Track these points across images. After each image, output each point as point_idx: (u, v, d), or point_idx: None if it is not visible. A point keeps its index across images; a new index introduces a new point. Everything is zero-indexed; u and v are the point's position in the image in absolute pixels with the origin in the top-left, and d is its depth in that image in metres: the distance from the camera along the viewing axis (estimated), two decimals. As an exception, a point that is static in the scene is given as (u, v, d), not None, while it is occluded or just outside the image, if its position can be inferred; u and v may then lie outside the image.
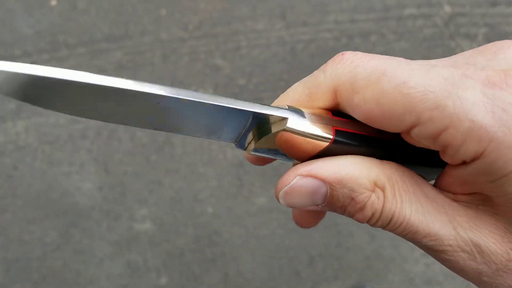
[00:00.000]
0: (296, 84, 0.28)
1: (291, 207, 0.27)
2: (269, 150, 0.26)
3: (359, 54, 0.25)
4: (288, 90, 0.28)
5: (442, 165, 0.26)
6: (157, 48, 1.36)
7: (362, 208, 0.24)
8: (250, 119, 0.25)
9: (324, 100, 0.26)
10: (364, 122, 0.25)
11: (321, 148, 0.25)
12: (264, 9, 1.39)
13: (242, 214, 1.20)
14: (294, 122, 0.25)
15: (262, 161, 0.31)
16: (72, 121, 1.26)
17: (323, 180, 0.25)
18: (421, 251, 1.23)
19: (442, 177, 0.26)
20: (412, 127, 0.23)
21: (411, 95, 0.23)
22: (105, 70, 1.31)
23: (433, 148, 0.24)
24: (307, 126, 0.25)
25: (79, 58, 1.34)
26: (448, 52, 1.40)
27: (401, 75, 0.23)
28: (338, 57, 0.26)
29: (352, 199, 0.24)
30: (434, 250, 0.25)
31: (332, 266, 1.18)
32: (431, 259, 1.19)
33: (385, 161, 0.25)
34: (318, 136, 0.25)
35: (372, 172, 0.25)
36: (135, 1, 1.41)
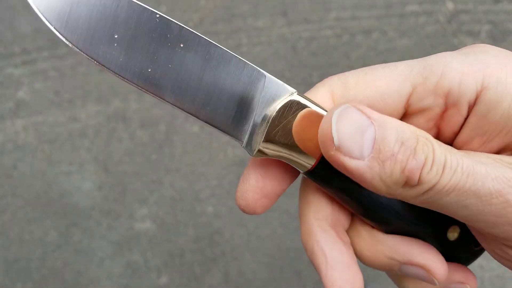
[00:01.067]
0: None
1: (340, 145, 0.24)
2: (279, 144, 0.25)
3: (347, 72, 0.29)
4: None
5: None
6: (157, 46, 1.35)
7: (414, 153, 0.23)
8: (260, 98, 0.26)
9: (321, 103, 0.28)
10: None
11: None
12: (265, 6, 1.38)
13: (243, 214, 1.19)
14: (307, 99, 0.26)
15: (267, 201, 0.31)
16: (71, 120, 1.26)
17: (371, 118, 0.24)
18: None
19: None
20: (410, 95, 0.25)
21: (398, 69, 0.25)
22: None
23: (436, 109, 0.25)
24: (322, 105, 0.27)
25: (79, 55, 1.33)
26: (451, 49, 1.38)
27: (383, 66, 0.26)
28: (329, 77, 0.29)
29: (402, 143, 0.23)
30: (499, 193, 0.23)
31: (333, 266, 1.17)
32: (433, 259, 1.19)
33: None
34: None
35: (416, 129, 0.24)
36: (135, -2, 1.40)
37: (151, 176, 1.22)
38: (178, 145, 1.25)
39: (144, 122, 1.24)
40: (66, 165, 1.22)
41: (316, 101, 0.26)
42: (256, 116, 0.26)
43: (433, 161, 0.23)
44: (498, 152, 0.25)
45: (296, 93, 0.26)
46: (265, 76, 0.26)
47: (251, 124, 0.26)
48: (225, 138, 1.26)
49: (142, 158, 1.23)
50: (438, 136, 0.28)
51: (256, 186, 0.31)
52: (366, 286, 1.19)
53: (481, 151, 0.25)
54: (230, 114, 0.26)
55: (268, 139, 0.25)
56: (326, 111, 0.26)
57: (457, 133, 0.27)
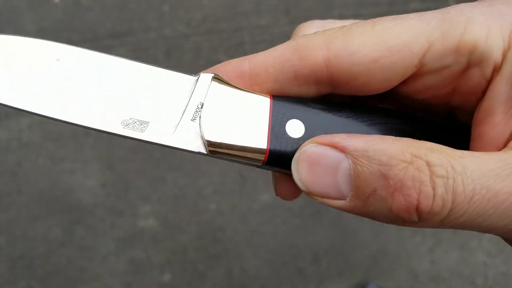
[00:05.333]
0: (282, 44, 0.23)
1: (310, 191, 0.21)
2: (221, 134, 0.22)
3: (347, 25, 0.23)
4: (272, 48, 0.23)
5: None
6: (161, 44, 1.35)
7: (399, 188, 0.18)
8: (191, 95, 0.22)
9: (312, 55, 0.21)
10: (367, 73, 0.21)
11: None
12: (267, 4, 1.38)
13: (245, 211, 1.20)
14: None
15: (294, 194, 0.25)
16: (76, 118, 1.26)
17: (344, 151, 0.19)
18: (427, 247, 1.21)
19: (479, 133, 0.22)
20: (424, 52, 0.20)
21: (414, 21, 0.21)
22: (109, 67, 1.31)
23: (456, 68, 0.21)
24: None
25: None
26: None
27: (393, 18, 0.21)
28: (308, 24, 0.24)
29: (382, 175, 0.18)
30: None
31: (336, 263, 1.17)
32: (436, 256, 1.18)
33: (423, 141, 0.20)
34: (255, 94, 0.23)
35: (408, 145, 0.19)
36: (138, -3, 1.41)
37: (154, 174, 1.22)
38: (181, 142, 1.25)
39: (147, 120, 1.25)
40: (70, 163, 1.23)
41: (302, 57, 0.22)
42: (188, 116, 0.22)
43: (434, 192, 0.18)
44: None
45: (201, 76, 0.23)
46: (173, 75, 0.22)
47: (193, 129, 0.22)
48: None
49: (145, 155, 1.23)
50: (455, 100, 0.23)
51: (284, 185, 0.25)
52: (366, 285, 1.18)
53: (505, 123, 0.21)
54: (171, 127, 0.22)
55: (207, 139, 0.22)
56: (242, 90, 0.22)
57: (478, 97, 0.22)
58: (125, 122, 0.21)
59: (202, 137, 0.22)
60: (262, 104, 0.22)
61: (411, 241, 1.18)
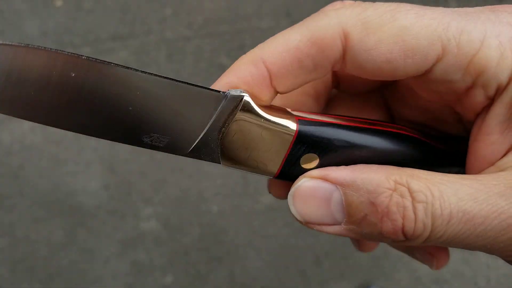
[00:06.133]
0: (291, 30, 0.23)
1: (308, 221, 0.22)
2: (238, 153, 0.22)
3: (359, 1, 0.23)
4: (281, 36, 0.22)
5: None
6: (162, 47, 1.36)
7: (386, 213, 0.20)
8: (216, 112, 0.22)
9: (331, 48, 0.21)
10: (377, 72, 0.21)
11: (289, 140, 0.22)
12: (268, 7, 1.38)
13: (247, 213, 1.20)
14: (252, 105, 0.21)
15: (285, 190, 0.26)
16: (78, 121, 1.27)
17: (334, 183, 0.21)
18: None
19: (475, 148, 0.23)
20: (437, 61, 0.20)
21: (434, 25, 0.20)
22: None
23: (461, 84, 0.21)
24: (267, 112, 0.22)
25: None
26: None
27: (415, 10, 0.21)
28: (337, 3, 0.23)
29: (371, 203, 0.20)
30: (504, 231, 0.20)
31: (338, 265, 1.17)
32: (438, 258, 1.18)
33: (405, 167, 0.22)
34: (281, 124, 0.22)
35: (391, 173, 0.21)
36: (140, 0, 1.42)
37: (156, 176, 1.23)
38: (183, 145, 1.25)
39: (149, 123, 1.25)
40: (72, 165, 1.23)
41: (317, 46, 0.21)
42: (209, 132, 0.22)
43: (415, 216, 0.20)
44: None
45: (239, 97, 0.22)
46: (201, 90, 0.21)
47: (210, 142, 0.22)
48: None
49: (147, 158, 1.24)
50: (457, 108, 0.24)
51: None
52: (368, 287, 1.18)
53: (500, 142, 0.22)
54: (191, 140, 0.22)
55: (224, 155, 0.22)
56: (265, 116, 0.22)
57: (478, 112, 0.23)
58: (146, 137, 0.21)
59: (219, 156, 0.22)
60: (285, 136, 0.22)
61: (413, 243, 1.18)
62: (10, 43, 0.19)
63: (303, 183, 0.22)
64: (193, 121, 0.22)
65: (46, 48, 0.19)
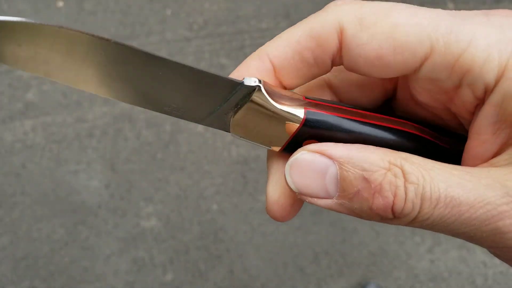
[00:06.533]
0: (293, 27, 0.24)
1: (301, 192, 0.23)
2: (247, 129, 0.25)
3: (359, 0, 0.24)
4: (285, 33, 0.24)
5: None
6: (163, 47, 1.37)
7: (378, 190, 0.21)
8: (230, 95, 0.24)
9: (328, 42, 0.23)
10: (368, 67, 0.23)
11: (293, 128, 0.24)
12: (268, 8, 1.40)
13: (247, 211, 1.21)
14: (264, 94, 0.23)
15: (291, 210, 0.27)
16: (79, 120, 1.28)
17: (331, 158, 0.22)
18: (426, 246, 1.22)
19: (469, 145, 0.24)
20: (425, 59, 0.21)
21: (424, 24, 0.21)
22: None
23: (443, 87, 0.22)
24: (277, 99, 0.24)
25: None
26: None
27: (409, 9, 0.22)
28: (339, 1, 0.24)
29: (365, 179, 0.21)
30: (488, 221, 0.20)
31: (336, 262, 1.18)
32: (436, 256, 1.19)
33: (399, 151, 0.23)
34: (289, 112, 0.24)
35: (386, 154, 0.22)
36: (141, 2, 1.43)
37: (157, 175, 1.24)
38: (183, 144, 1.26)
39: (149, 122, 1.26)
40: (73, 164, 1.24)
41: (316, 40, 0.23)
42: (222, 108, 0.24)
43: (405, 196, 0.21)
44: (505, 143, 0.23)
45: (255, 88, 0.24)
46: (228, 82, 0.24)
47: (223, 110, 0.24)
48: (229, 137, 1.28)
49: (148, 157, 1.25)
50: (452, 108, 0.25)
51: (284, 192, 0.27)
52: (366, 284, 1.19)
53: (492, 141, 0.23)
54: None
55: (233, 127, 0.25)
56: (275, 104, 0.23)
57: (471, 111, 0.23)
58: (166, 107, 0.24)
59: (229, 127, 0.25)
60: (291, 122, 0.24)
61: (410, 241, 1.19)
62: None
63: (302, 155, 0.23)
64: (208, 101, 0.24)
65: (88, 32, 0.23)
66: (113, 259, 1.19)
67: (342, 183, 0.22)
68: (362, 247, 1.18)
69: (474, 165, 0.23)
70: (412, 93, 0.25)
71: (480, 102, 0.22)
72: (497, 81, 0.21)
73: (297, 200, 0.26)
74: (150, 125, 1.26)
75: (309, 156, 0.23)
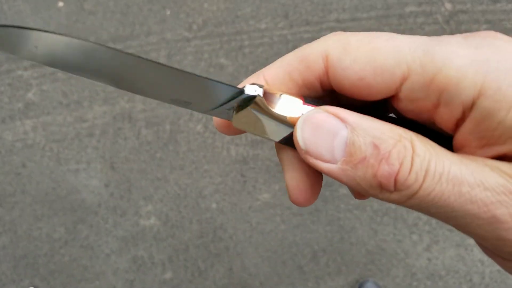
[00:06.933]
0: (288, 54, 0.27)
1: (307, 151, 0.24)
2: (248, 125, 0.26)
3: (351, 32, 0.25)
4: (281, 58, 0.27)
5: None
6: (162, 47, 1.38)
7: (386, 157, 0.22)
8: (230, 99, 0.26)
9: (314, 65, 0.25)
10: (353, 90, 0.24)
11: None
12: (267, 8, 1.40)
13: (246, 210, 1.21)
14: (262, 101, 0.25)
15: (312, 193, 0.28)
16: (79, 120, 1.28)
17: (345, 121, 0.23)
18: (424, 245, 1.22)
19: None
20: (403, 80, 0.23)
21: (401, 46, 0.23)
22: (111, 70, 1.34)
23: (425, 105, 0.23)
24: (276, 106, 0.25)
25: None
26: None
27: (390, 35, 0.23)
28: (331, 34, 0.26)
29: (375, 146, 0.22)
30: (487, 209, 0.21)
31: (335, 260, 1.18)
32: (433, 254, 1.20)
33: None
34: (287, 117, 0.25)
35: (397, 127, 0.23)
36: (141, 2, 1.43)
37: (156, 174, 1.24)
38: (182, 143, 1.27)
39: (149, 122, 1.26)
40: (73, 164, 1.25)
41: (303, 63, 0.26)
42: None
43: (411, 167, 0.21)
44: (498, 158, 0.23)
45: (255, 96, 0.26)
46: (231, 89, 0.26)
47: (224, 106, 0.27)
48: (228, 137, 1.28)
49: (147, 156, 1.25)
50: (436, 126, 0.26)
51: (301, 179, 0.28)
52: (364, 282, 1.20)
53: (480, 155, 0.23)
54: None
55: (235, 120, 0.26)
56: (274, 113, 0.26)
57: (453, 128, 0.24)
58: (172, 99, 0.27)
59: (231, 119, 0.27)
60: (289, 125, 0.26)
61: (408, 239, 1.19)
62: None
63: (316, 112, 0.24)
64: (211, 101, 0.27)
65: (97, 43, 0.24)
66: (112, 258, 1.19)
67: (350, 147, 0.22)
68: (360, 246, 1.19)
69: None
70: (399, 112, 0.26)
71: (460, 119, 0.23)
72: (475, 99, 0.22)
73: (315, 182, 0.27)
74: (150, 124, 1.27)
75: (323, 115, 0.23)
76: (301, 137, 0.24)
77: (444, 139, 0.29)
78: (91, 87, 1.32)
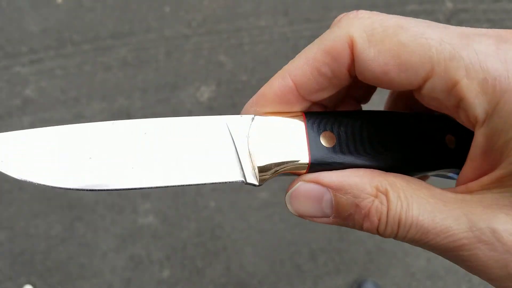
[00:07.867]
0: (310, 45, 0.26)
1: (301, 215, 0.27)
2: (270, 167, 0.27)
3: (375, 12, 0.25)
4: (303, 51, 0.26)
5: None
6: (161, 44, 1.37)
7: (367, 214, 0.25)
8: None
9: (341, 56, 0.24)
10: (376, 81, 0.24)
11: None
12: (267, 6, 1.40)
13: (244, 208, 1.21)
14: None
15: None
16: (77, 117, 1.28)
17: (326, 186, 0.25)
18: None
19: (464, 169, 0.25)
20: (426, 79, 0.23)
21: (428, 45, 0.22)
22: (110, 67, 1.33)
23: (445, 104, 0.23)
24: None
25: (85, 55, 1.35)
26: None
27: (418, 29, 0.23)
28: (352, 13, 0.26)
29: (357, 205, 0.25)
30: (451, 249, 0.23)
31: (333, 260, 1.18)
32: (432, 254, 1.19)
33: (388, 173, 0.26)
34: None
35: (374, 179, 0.25)
36: (140, -2, 1.43)
37: (154, 172, 1.23)
38: (181, 141, 1.26)
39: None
40: (71, 161, 1.24)
41: (330, 55, 0.25)
42: (239, 153, 0.26)
43: (386, 221, 0.24)
44: (501, 177, 0.23)
45: (253, 116, 0.26)
46: (223, 120, 0.26)
47: (239, 163, 0.26)
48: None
49: (146, 153, 1.24)
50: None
51: None
52: (363, 282, 1.19)
53: (483, 168, 0.24)
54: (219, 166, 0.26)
55: (260, 168, 0.26)
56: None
57: (473, 125, 0.24)
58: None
59: (253, 167, 0.27)
60: (297, 124, 0.27)
61: (407, 239, 1.19)
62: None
63: (300, 186, 0.26)
64: (218, 151, 0.27)
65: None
66: (110, 256, 1.19)
67: (336, 207, 0.26)
68: (359, 245, 1.19)
69: (464, 182, 0.25)
70: (422, 103, 0.26)
71: (478, 123, 0.23)
72: (488, 115, 0.22)
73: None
74: (148, 122, 1.26)
75: (306, 186, 0.26)
76: (292, 209, 0.27)
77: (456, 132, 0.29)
78: (89, 83, 1.31)
